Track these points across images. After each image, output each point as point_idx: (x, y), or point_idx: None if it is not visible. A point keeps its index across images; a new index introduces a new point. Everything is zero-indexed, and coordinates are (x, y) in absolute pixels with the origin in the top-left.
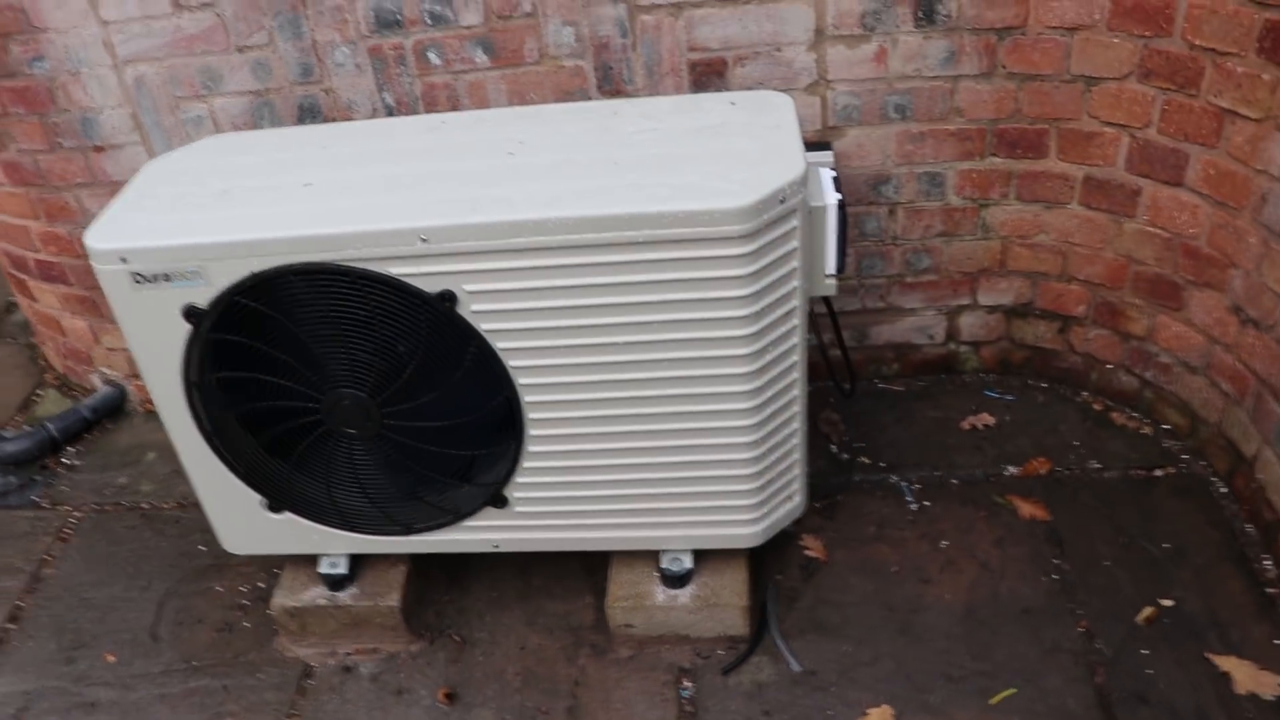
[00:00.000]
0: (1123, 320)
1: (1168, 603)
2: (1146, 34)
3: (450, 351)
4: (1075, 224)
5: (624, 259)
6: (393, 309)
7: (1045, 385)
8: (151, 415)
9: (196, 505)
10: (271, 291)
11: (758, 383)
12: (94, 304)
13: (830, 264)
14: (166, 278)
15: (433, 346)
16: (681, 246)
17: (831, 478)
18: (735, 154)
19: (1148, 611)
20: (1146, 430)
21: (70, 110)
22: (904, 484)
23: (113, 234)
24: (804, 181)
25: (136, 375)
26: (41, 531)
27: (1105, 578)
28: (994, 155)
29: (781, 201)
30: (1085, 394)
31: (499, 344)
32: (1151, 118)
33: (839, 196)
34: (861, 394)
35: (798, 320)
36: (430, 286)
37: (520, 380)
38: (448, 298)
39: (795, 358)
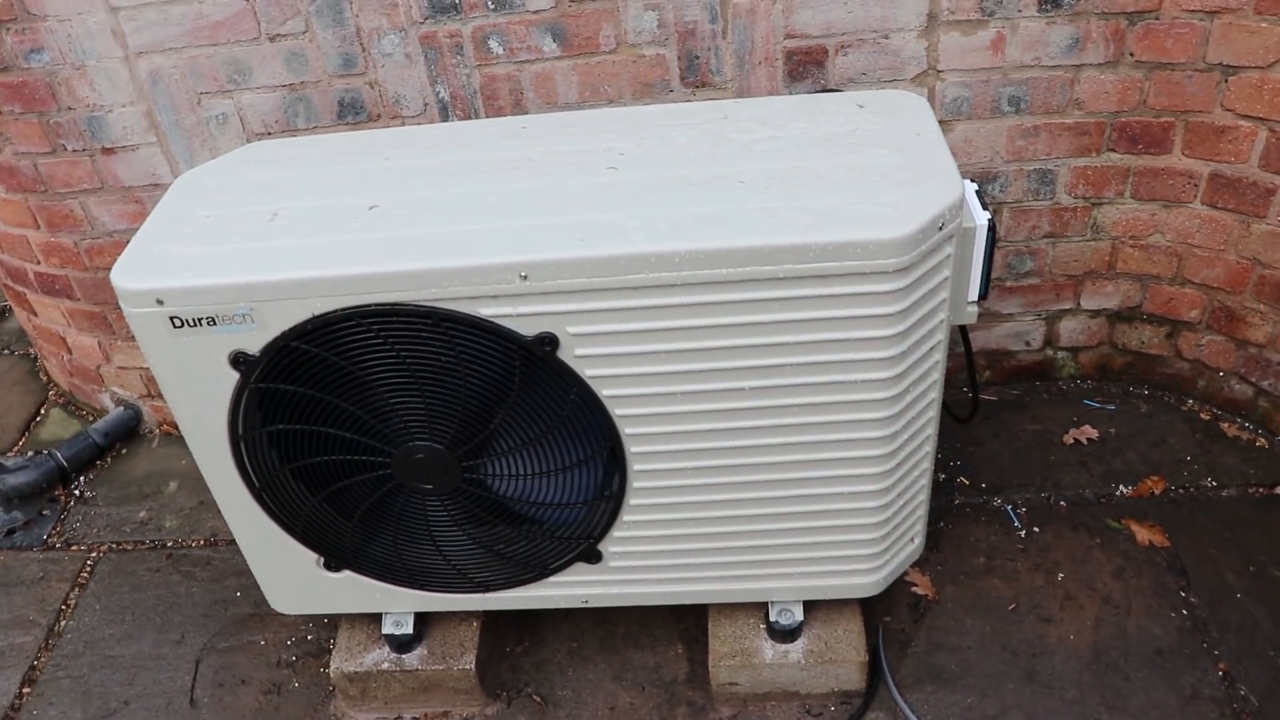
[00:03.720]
0: (1241, 326)
1: None
2: None
3: (546, 400)
4: (1196, 224)
5: (754, 297)
6: (481, 354)
7: (1147, 393)
8: (170, 438)
9: (228, 543)
10: (335, 336)
11: (895, 427)
12: (104, 320)
13: (974, 290)
14: (211, 321)
15: (526, 394)
16: (823, 283)
17: (931, 501)
18: (879, 170)
19: None
20: (1262, 442)
21: (74, 108)
22: (1009, 508)
23: (145, 270)
24: (962, 204)
25: (153, 395)
26: (56, 577)
27: (1239, 613)
28: (1112, 151)
29: (940, 228)
30: (1191, 402)
31: (605, 391)
32: None
33: (989, 215)
34: (952, 403)
35: (939, 356)
36: (527, 329)
37: (627, 430)
38: (548, 341)
39: (933, 395)
